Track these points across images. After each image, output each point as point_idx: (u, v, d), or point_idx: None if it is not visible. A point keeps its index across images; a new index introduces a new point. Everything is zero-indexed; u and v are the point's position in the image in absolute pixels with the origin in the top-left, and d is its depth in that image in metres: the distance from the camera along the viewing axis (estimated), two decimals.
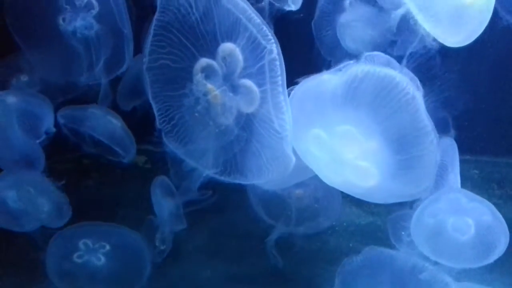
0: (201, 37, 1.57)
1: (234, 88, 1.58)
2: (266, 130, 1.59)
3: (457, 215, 1.79)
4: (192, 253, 2.39)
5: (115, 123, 2.15)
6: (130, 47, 1.75)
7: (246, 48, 1.53)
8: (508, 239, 1.77)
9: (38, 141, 1.97)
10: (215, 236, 2.46)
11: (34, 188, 1.96)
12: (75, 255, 1.99)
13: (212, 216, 2.40)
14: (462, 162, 2.94)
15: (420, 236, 1.81)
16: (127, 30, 1.69)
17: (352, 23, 2.21)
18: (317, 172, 1.59)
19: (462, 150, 2.93)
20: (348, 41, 2.24)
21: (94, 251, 2.00)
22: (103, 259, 2.00)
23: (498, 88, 2.57)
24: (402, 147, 1.44)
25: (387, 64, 1.76)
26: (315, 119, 1.51)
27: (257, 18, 1.50)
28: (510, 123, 2.95)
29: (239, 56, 1.54)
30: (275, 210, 2.23)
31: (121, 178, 2.66)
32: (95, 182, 2.73)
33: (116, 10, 1.71)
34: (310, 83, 1.53)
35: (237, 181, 1.67)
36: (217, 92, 1.57)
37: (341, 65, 1.52)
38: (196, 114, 1.60)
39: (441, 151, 1.79)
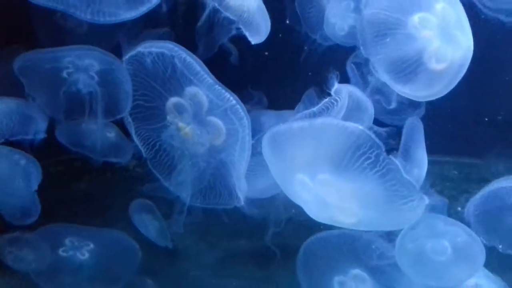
0: (168, 81, 1.79)
1: (203, 124, 1.79)
2: (231, 160, 1.81)
3: (434, 239, 1.88)
4: (182, 253, 2.46)
5: (111, 136, 2.24)
6: (129, 99, 1.92)
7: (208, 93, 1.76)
8: (484, 256, 1.87)
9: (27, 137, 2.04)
10: (205, 236, 2.52)
11: None
12: (60, 250, 2.09)
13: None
14: (442, 163, 3.02)
15: (403, 260, 1.90)
16: (128, 86, 1.86)
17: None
18: (304, 209, 1.68)
19: (442, 151, 3.02)
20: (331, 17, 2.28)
21: (79, 248, 2.09)
22: (87, 255, 2.10)
23: (477, 88, 2.66)
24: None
25: (359, 104, 1.90)
26: (299, 164, 1.58)
27: (209, 79, 1.72)
28: (489, 124, 3.05)
29: (203, 97, 1.76)
30: (265, 205, 2.30)
31: (112, 181, 2.71)
32: (87, 184, 2.78)
33: (117, 68, 1.89)
34: (292, 128, 1.57)
35: (212, 206, 1.90)
36: (187, 129, 1.78)
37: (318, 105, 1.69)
38: (173, 144, 1.83)
39: (408, 128, 1.99)
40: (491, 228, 2.05)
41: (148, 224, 2.22)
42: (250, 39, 1.89)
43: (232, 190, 1.84)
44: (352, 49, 2.27)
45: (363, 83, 2.20)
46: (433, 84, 1.76)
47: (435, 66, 1.73)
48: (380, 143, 1.44)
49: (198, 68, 1.72)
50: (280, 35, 2.74)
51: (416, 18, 1.71)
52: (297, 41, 2.56)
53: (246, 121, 1.75)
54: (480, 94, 2.87)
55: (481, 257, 1.87)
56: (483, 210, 2.05)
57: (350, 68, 2.29)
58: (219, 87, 1.73)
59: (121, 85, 1.86)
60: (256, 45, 2.04)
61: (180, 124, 1.79)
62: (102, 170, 2.42)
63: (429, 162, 3.01)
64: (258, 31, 1.95)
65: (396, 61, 1.75)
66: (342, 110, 1.81)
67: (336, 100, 1.74)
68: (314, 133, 1.51)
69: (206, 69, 1.74)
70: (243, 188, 1.83)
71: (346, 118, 1.80)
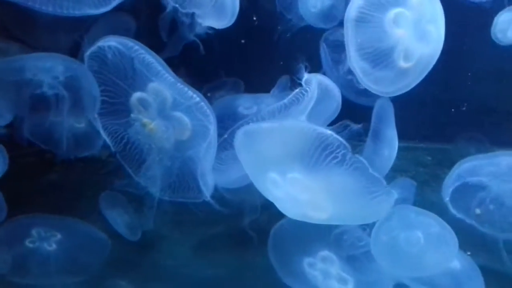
0: (130, 77, 1.77)
1: (168, 119, 1.78)
2: (197, 155, 1.81)
3: (407, 230, 1.91)
4: (156, 243, 2.45)
5: (80, 126, 2.21)
6: (96, 104, 1.89)
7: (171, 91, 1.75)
8: (457, 245, 1.89)
9: None
10: (179, 225, 2.52)
11: None
12: (27, 241, 2.07)
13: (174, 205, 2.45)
14: (415, 149, 3.06)
15: (379, 253, 1.93)
16: (95, 91, 1.83)
17: None
18: (277, 206, 1.72)
19: (415, 138, 3.05)
20: None
21: (46, 239, 2.09)
22: (54, 246, 2.09)
23: (449, 76, 2.68)
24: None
25: (328, 92, 1.92)
26: (269, 163, 1.62)
27: (170, 78, 1.71)
28: (460, 111, 3.09)
29: (167, 93, 1.75)
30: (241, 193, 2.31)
31: (83, 172, 2.68)
32: (58, 175, 2.75)
33: (82, 74, 1.87)
34: (262, 128, 1.63)
35: (181, 199, 1.90)
36: (152, 125, 1.77)
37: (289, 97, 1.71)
38: (140, 138, 1.82)
39: (378, 109, 2.07)
40: (467, 204, 2.08)
41: (118, 218, 2.21)
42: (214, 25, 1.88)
43: (200, 184, 1.84)
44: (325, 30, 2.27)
45: (335, 65, 2.21)
46: (399, 80, 1.81)
47: (403, 64, 1.76)
48: (346, 144, 1.51)
49: (158, 67, 1.71)
50: (255, 19, 2.72)
51: (392, 14, 1.74)
52: (272, 23, 2.56)
53: (211, 117, 1.75)
54: (451, 81, 2.90)
55: (454, 247, 1.90)
56: (458, 188, 2.09)
57: (322, 49, 2.29)
58: (181, 86, 1.72)
59: (88, 91, 1.85)
60: (230, 31, 2.03)
61: (145, 120, 1.78)
62: (75, 161, 2.39)
63: (403, 148, 3.06)
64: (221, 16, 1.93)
65: (368, 56, 1.78)
66: (312, 100, 1.82)
67: (306, 91, 1.76)
68: (283, 134, 1.56)
69: (167, 67, 1.72)
70: (210, 183, 1.84)
71: (315, 107, 1.82)
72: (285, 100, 1.76)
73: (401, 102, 2.17)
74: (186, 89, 1.72)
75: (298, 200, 1.61)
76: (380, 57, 1.77)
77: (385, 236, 1.93)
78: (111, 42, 1.71)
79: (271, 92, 2.21)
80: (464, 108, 3.04)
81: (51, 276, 2.08)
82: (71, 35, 1.94)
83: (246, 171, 1.72)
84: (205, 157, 1.79)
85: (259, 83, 2.37)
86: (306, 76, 1.80)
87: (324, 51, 2.33)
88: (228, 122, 2.23)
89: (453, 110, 2.97)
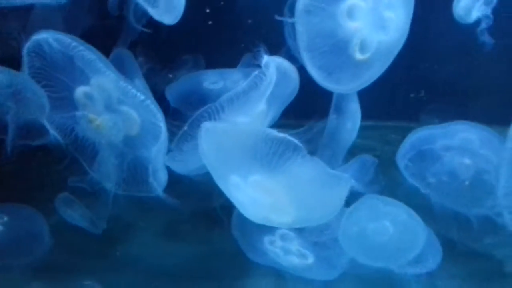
0: (72, 71, 1.70)
1: (116, 113, 1.73)
2: (148, 150, 1.78)
3: (375, 220, 1.93)
4: (120, 234, 2.40)
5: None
6: (45, 111, 1.82)
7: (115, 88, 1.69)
8: (425, 233, 1.92)
9: None
10: (145, 213, 2.48)
11: None
12: None
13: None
14: (382, 128, 3.06)
15: (348, 244, 1.95)
16: (43, 99, 1.77)
17: None
18: (240, 210, 1.72)
19: (382, 116, 3.05)
20: None
21: None
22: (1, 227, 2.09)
23: (415, 55, 2.68)
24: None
25: (286, 74, 1.90)
26: (231, 166, 1.63)
27: (112, 75, 1.65)
28: (426, 89, 3.10)
29: (112, 86, 1.69)
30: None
31: (44, 161, 2.60)
32: (14, 165, 2.66)
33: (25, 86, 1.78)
34: (223, 128, 1.64)
35: (135, 194, 1.86)
36: (98, 121, 1.72)
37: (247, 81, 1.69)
38: (88, 134, 1.77)
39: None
40: (422, 174, 2.11)
41: (74, 216, 2.15)
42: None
43: (153, 178, 1.82)
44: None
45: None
46: (361, 73, 1.77)
47: (360, 56, 1.71)
48: (301, 146, 1.51)
49: (99, 64, 1.65)
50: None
51: (345, 6, 1.67)
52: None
53: (159, 115, 1.71)
54: (416, 61, 2.90)
55: (422, 235, 1.92)
56: (413, 157, 2.11)
57: (286, 19, 2.23)
58: (124, 84, 1.67)
59: (34, 101, 1.78)
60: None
61: (91, 116, 1.72)
62: (33, 150, 2.31)
63: (369, 127, 3.05)
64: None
65: (322, 56, 1.73)
66: (271, 84, 1.79)
67: (265, 75, 1.72)
68: (239, 137, 1.57)
69: (108, 63, 1.66)
70: (162, 179, 1.82)
71: (273, 90, 1.81)
72: (243, 85, 1.73)
73: None
74: (129, 87, 1.66)
75: (261, 204, 1.62)
76: (335, 54, 1.71)
77: (354, 227, 1.95)
78: (45, 36, 1.63)
79: (237, 67, 2.18)
80: (428, 85, 3.06)
81: None
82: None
83: (211, 173, 1.71)
84: (156, 153, 1.76)
85: (221, 66, 2.33)
86: (264, 59, 1.76)
87: (286, 22, 2.29)
88: (193, 98, 2.19)
89: (422, 91, 2.99)
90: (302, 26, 1.68)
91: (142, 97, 1.68)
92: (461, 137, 2.06)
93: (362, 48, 1.71)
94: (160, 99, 2.41)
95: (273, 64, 1.75)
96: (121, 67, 2.13)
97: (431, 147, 2.12)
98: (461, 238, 2.09)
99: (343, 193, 1.60)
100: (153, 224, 2.40)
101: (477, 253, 2.14)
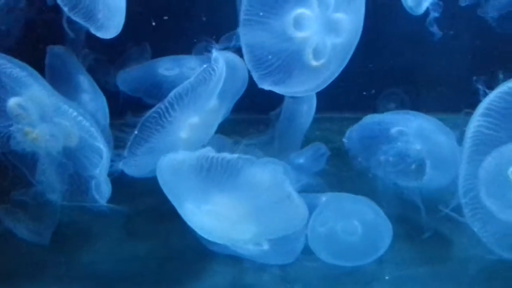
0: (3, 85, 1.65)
1: (52, 125, 1.69)
2: (88, 159, 1.76)
3: (344, 219, 1.93)
4: (72, 240, 2.30)
5: None
6: None
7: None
8: (391, 230, 1.93)
9: None
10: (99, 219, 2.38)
11: None
12: None
13: None
14: (341, 119, 3.06)
15: (317, 245, 1.94)
16: None
17: None
18: (201, 234, 1.73)
19: (341, 108, 3.04)
20: None
21: None
22: None
23: (369, 48, 2.69)
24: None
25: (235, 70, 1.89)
26: (185, 194, 1.64)
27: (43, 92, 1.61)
28: (382, 79, 3.12)
29: (44, 101, 1.65)
30: None
31: None
32: None
33: None
34: (174, 159, 1.62)
35: (79, 204, 1.84)
36: (35, 134, 1.68)
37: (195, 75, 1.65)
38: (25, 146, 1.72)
39: None
40: (372, 153, 2.17)
41: (19, 229, 2.05)
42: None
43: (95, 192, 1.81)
44: None
45: None
46: (319, 76, 1.77)
47: (315, 63, 1.71)
48: (252, 159, 1.51)
49: (30, 81, 1.60)
50: None
51: (290, 18, 1.64)
52: None
53: (92, 129, 1.68)
54: (371, 53, 2.90)
55: (388, 232, 1.93)
56: (366, 137, 2.18)
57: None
58: (55, 100, 1.63)
59: None
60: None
61: (27, 129, 1.68)
62: None
63: (327, 119, 3.04)
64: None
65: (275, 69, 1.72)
66: (221, 79, 1.75)
67: (214, 70, 1.68)
68: (181, 168, 1.57)
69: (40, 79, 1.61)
70: (105, 190, 1.80)
71: (224, 85, 1.83)
72: (191, 80, 1.68)
73: None
74: (60, 104, 1.63)
75: (220, 227, 1.64)
76: (289, 67, 1.70)
77: (321, 228, 1.94)
78: None
79: (193, 52, 2.13)
80: (384, 75, 3.09)
81: None
82: None
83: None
84: (97, 165, 1.74)
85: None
86: (214, 53, 1.72)
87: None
88: (147, 84, 2.14)
89: (373, 90, 3.01)
90: (245, 38, 1.66)
91: (75, 113, 1.65)
92: (414, 123, 2.10)
93: (316, 54, 1.70)
94: (112, 91, 2.33)
95: (222, 59, 1.71)
96: (61, 66, 2.03)
97: (385, 128, 2.13)
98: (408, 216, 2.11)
99: (300, 202, 1.60)
100: (107, 230, 2.31)
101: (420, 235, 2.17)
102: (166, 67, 2.27)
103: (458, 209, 1.80)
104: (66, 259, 2.14)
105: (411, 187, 2.12)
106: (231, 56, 1.86)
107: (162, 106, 1.71)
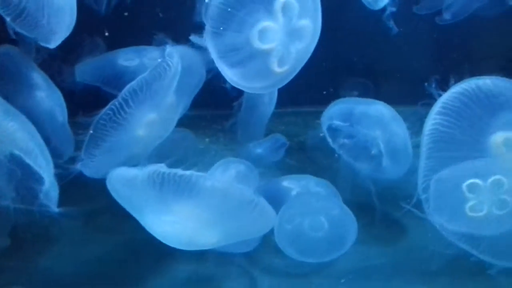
0: None
1: None
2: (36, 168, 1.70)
3: (310, 216, 1.93)
4: (29, 244, 2.22)
5: None
6: None
7: None
8: (356, 225, 1.94)
9: None
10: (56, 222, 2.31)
11: None
12: None
13: None
14: (305, 114, 3.06)
15: (284, 242, 1.95)
16: None
17: None
18: (164, 242, 1.71)
19: (304, 103, 3.04)
20: None
21: None
22: None
23: (330, 43, 2.69)
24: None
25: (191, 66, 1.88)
26: (144, 205, 1.62)
27: None
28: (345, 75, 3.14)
29: None
30: None
31: None
32: None
33: None
34: (124, 176, 1.62)
35: (32, 209, 1.79)
36: None
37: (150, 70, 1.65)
38: None
39: None
40: (339, 136, 2.20)
41: None
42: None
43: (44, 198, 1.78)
44: None
45: None
46: (283, 79, 1.78)
47: (278, 70, 1.70)
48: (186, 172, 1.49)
49: None
50: None
51: (256, 33, 1.63)
52: None
53: (32, 146, 1.66)
54: (332, 48, 2.90)
55: (353, 227, 1.95)
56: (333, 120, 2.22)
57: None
58: None
59: None
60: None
61: None
62: None
63: (292, 114, 3.03)
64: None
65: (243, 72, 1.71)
66: (177, 75, 1.72)
67: (169, 65, 1.64)
68: (144, 182, 1.54)
69: None
70: (53, 195, 1.77)
71: (181, 81, 1.81)
72: (145, 75, 1.64)
73: None
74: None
75: (183, 235, 1.63)
76: (254, 70, 1.69)
77: (288, 225, 1.94)
78: None
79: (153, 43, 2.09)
80: (350, 69, 3.10)
81: None
82: None
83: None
84: (43, 173, 1.70)
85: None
86: (168, 49, 1.68)
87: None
88: (107, 75, 2.09)
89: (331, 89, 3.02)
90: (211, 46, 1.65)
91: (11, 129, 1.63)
92: (376, 110, 2.13)
93: (281, 62, 1.70)
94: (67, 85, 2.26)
95: (176, 54, 1.67)
96: (12, 65, 1.96)
97: (349, 117, 2.18)
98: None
99: (265, 206, 1.61)
100: (63, 232, 2.24)
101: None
102: (126, 57, 2.22)
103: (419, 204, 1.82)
104: (23, 264, 2.08)
105: (369, 175, 2.15)
106: (186, 50, 1.82)
107: (116, 103, 1.66)
